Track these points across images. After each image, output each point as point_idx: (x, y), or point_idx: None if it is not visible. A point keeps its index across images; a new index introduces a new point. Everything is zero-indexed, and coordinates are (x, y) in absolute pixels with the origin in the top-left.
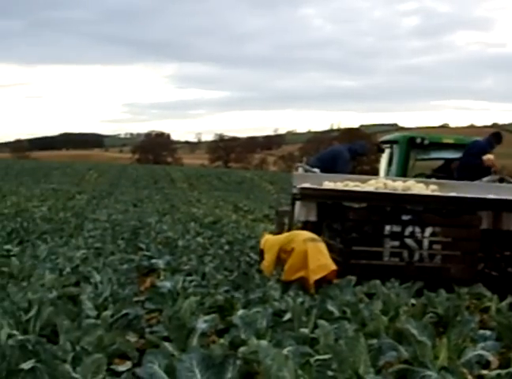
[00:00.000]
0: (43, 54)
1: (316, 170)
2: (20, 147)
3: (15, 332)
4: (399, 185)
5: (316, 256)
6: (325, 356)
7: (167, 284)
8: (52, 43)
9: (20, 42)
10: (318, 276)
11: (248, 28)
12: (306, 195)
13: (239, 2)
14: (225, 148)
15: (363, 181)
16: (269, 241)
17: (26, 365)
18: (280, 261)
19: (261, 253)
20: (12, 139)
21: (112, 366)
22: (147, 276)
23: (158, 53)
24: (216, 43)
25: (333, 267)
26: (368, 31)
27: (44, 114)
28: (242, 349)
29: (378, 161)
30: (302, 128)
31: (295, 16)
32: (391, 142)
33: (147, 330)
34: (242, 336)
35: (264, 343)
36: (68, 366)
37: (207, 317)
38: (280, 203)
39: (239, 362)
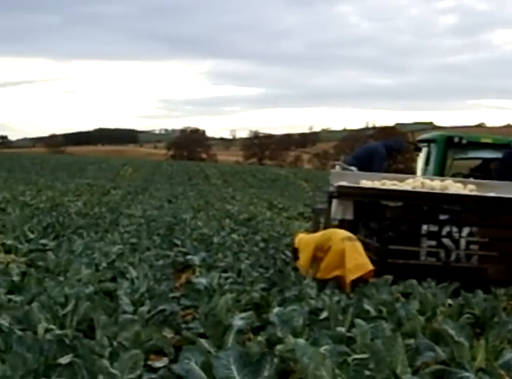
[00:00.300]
0: (79, 49)
1: (353, 168)
2: (55, 142)
3: (52, 326)
4: (437, 185)
5: (353, 255)
6: (363, 355)
7: (203, 281)
8: (88, 39)
9: (57, 37)
10: (355, 276)
11: (284, 25)
12: (344, 193)
13: None
14: (260, 145)
15: (401, 180)
16: (304, 239)
17: (64, 360)
18: (315, 260)
19: (294, 252)
20: (47, 134)
21: (149, 362)
22: (182, 272)
23: (194, 49)
24: (252, 40)
25: (371, 267)
26: (405, 29)
27: (80, 110)
28: (278, 347)
29: (412, 160)
30: (337, 126)
31: (331, 14)
32: (429, 141)
33: (183, 326)
34: (279, 334)
35: (301, 341)
36: (105, 361)
37: (243, 315)
38: (315, 201)
39: (275, 360)
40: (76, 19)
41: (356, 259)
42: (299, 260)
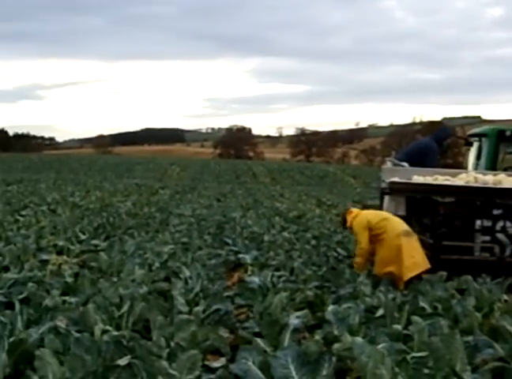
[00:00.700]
0: (125, 49)
1: (405, 164)
2: (102, 142)
3: (108, 327)
4: (490, 179)
5: (410, 252)
6: (421, 353)
7: (256, 280)
8: (135, 39)
9: (102, 38)
10: (412, 274)
11: (330, 22)
12: (396, 189)
13: None
14: (307, 142)
15: (453, 175)
16: (359, 219)
17: (122, 362)
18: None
19: (343, 222)
20: (95, 134)
21: (206, 362)
22: (234, 271)
23: (240, 47)
24: (298, 37)
25: (428, 265)
26: (451, 23)
27: (126, 110)
28: (336, 345)
29: (461, 154)
30: (384, 121)
31: (377, 9)
32: (480, 135)
33: (238, 326)
34: (335, 333)
35: (358, 339)
36: (164, 362)
37: (298, 313)
38: (363, 197)
39: (334, 359)
40: (122, 20)
41: (413, 257)
42: (358, 246)
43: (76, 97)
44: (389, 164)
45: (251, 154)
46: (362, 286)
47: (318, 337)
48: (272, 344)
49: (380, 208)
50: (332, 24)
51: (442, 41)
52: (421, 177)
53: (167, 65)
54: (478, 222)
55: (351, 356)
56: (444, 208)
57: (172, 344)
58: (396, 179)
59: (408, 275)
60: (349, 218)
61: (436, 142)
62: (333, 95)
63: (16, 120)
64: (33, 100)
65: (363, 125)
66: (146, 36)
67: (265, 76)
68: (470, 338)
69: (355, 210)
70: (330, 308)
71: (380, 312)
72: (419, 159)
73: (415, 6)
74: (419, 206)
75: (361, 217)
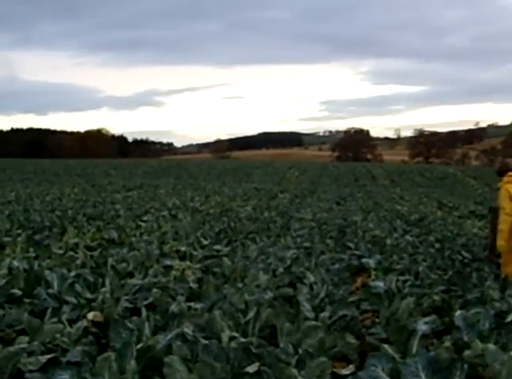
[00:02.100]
0: (241, 54)
1: None
2: (220, 147)
3: (235, 333)
4: None
5: None
6: None
7: (381, 284)
8: (250, 44)
9: (218, 43)
10: None
11: (446, 21)
12: None
13: None
14: (425, 144)
15: None
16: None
17: (251, 369)
18: None
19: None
20: (212, 139)
21: (334, 370)
22: (357, 276)
23: (355, 50)
24: (414, 38)
25: None
26: None
27: (243, 114)
28: (466, 352)
29: None
30: (504, 120)
31: (494, 6)
32: None
33: (364, 331)
34: (465, 339)
35: (491, 346)
36: (293, 370)
37: (426, 319)
38: (485, 198)
39: (466, 367)
40: (237, 25)
41: None
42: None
43: (193, 103)
44: None
45: (369, 156)
46: (490, 290)
47: (447, 343)
48: (400, 351)
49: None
50: (448, 23)
51: None
52: None
53: (283, 69)
54: None
55: (482, 363)
56: None
57: (300, 351)
58: None
59: None
60: (506, 178)
61: None
62: (450, 95)
63: (135, 126)
64: (151, 106)
65: (483, 124)
66: (261, 41)
67: (380, 78)
68: None
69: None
70: (458, 313)
71: (510, 317)
72: None
73: None
74: None
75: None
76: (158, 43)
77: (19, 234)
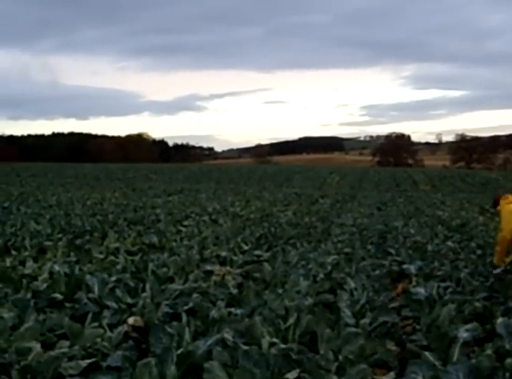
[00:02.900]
0: (282, 59)
1: None
2: (261, 152)
3: (275, 339)
4: None
5: None
6: None
7: (421, 291)
8: (291, 48)
9: (260, 48)
10: None
11: (488, 25)
12: None
13: None
14: (467, 149)
15: None
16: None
17: (291, 375)
18: None
19: (495, 204)
20: (253, 144)
21: (374, 377)
22: (398, 282)
23: (396, 54)
24: (456, 42)
25: None
26: None
27: (284, 119)
28: (508, 360)
29: None
30: None
31: None
32: None
33: (404, 338)
34: (507, 347)
35: None
36: (333, 377)
37: (468, 326)
38: None
39: (508, 375)
40: (279, 29)
41: None
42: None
43: (234, 107)
44: None
45: (411, 161)
46: None
47: (488, 351)
48: (441, 358)
49: None
50: (490, 27)
51: None
52: None
53: (324, 73)
54: None
55: None
56: None
57: (340, 358)
58: None
59: None
60: (502, 202)
61: None
62: (492, 99)
63: (176, 131)
64: (193, 111)
65: None
66: (303, 45)
67: (422, 82)
68: None
69: (511, 197)
70: (500, 320)
71: None
72: None
73: None
74: None
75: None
76: (199, 47)
77: (60, 239)
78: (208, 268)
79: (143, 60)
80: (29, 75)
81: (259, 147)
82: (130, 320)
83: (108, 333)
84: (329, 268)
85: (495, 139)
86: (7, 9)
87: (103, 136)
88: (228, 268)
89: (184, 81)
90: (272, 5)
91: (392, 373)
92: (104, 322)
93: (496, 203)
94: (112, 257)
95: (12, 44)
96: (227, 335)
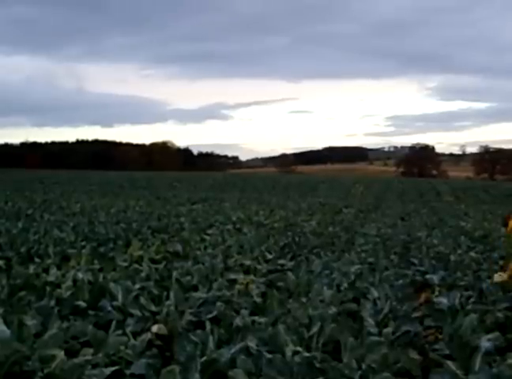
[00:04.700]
0: (308, 68)
1: None
2: (285, 161)
3: (299, 348)
4: None
5: None
6: None
7: (444, 300)
8: (317, 58)
9: (287, 57)
10: None
11: None
12: None
13: (504, 11)
14: (491, 160)
15: None
16: None
17: None
18: None
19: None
20: (278, 153)
21: None
22: (420, 291)
23: (421, 65)
24: (481, 54)
25: None
26: None
27: (309, 129)
28: None
29: None
30: None
31: None
32: None
33: (427, 347)
34: None
35: None
36: None
37: (490, 336)
38: None
39: None
40: (305, 39)
41: None
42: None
43: (260, 116)
44: None
45: (435, 172)
46: None
47: (510, 361)
48: (463, 367)
49: None
50: None
51: None
52: None
53: (350, 83)
54: None
55: None
56: None
57: (363, 366)
58: None
59: None
60: (511, 223)
61: None
62: None
63: (200, 139)
64: (218, 120)
65: None
66: (329, 55)
67: (447, 94)
68: None
69: None
70: None
71: None
72: None
73: None
74: None
75: None
76: (226, 56)
77: (84, 246)
78: (232, 276)
79: (169, 68)
80: (54, 82)
81: (284, 156)
82: (154, 328)
83: (132, 341)
84: (353, 277)
85: None
86: (33, 15)
87: (128, 144)
88: (252, 276)
89: (210, 90)
90: (300, 14)
91: None
92: (128, 330)
93: (506, 224)
94: (136, 265)
95: (37, 51)
96: (251, 343)
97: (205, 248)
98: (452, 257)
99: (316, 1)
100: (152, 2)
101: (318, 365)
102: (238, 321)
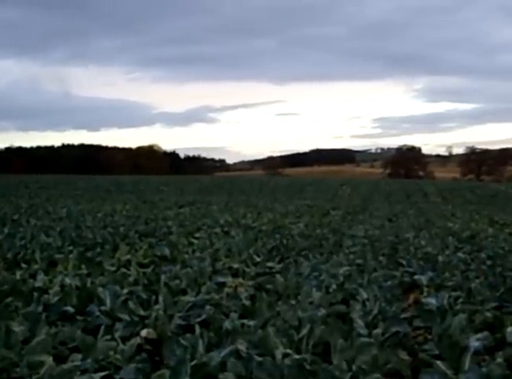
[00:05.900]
0: (294, 71)
1: None
2: (272, 163)
3: (289, 350)
4: None
5: None
6: None
7: (433, 301)
8: (304, 61)
9: (273, 60)
10: None
11: (499, 39)
12: None
13: (490, 12)
14: (477, 161)
15: None
16: None
17: None
18: None
19: None
20: (265, 156)
21: None
22: (409, 292)
23: (408, 67)
24: (467, 55)
25: None
26: None
27: (295, 131)
28: None
29: None
30: None
31: None
32: None
33: (416, 348)
34: None
35: None
36: None
37: (479, 335)
38: None
39: None
40: (292, 41)
41: None
42: None
43: (247, 119)
44: None
45: (421, 173)
46: None
47: (499, 360)
48: (452, 367)
49: None
50: (502, 41)
51: None
52: None
53: (337, 86)
54: None
55: None
56: None
57: (354, 368)
58: None
59: None
60: None
61: None
62: (503, 112)
63: (187, 142)
64: (205, 123)
65: None
66: (316, 57)
67: (433, 95)
68: None
69: None
70: (510, 329)
71: None
72: None
73: None
74: None
75: None
76: (212, 59)
77: (71, 251)
78: (221, 279)
79: (155, 71)
80: (40, 86)
81: (271, 159)
82: (143, 333)
83: (121, 346)
84: (342, 279)
85: (504, 151)
86: (18, 18)
87: (114, 148)
88: (241, 279)
89: (196, 93)
90: (286, 17)
91: None
92: (117, 335)
93: None
94: (124, 270)
95: (22, 54)
96: (241, 346)
97: (193, 251)
98: (440, 258)
99: (303, 3)
100: (138, 5)
101: (308, 367)
102: (227, 324)
